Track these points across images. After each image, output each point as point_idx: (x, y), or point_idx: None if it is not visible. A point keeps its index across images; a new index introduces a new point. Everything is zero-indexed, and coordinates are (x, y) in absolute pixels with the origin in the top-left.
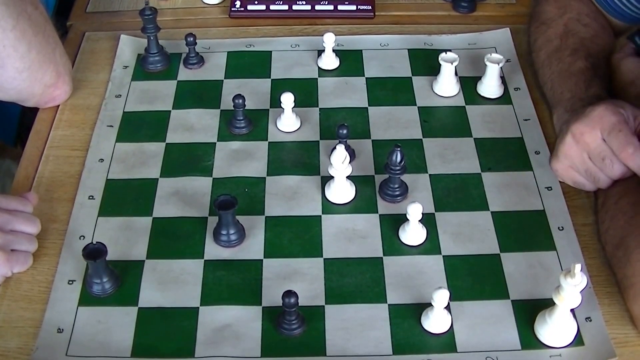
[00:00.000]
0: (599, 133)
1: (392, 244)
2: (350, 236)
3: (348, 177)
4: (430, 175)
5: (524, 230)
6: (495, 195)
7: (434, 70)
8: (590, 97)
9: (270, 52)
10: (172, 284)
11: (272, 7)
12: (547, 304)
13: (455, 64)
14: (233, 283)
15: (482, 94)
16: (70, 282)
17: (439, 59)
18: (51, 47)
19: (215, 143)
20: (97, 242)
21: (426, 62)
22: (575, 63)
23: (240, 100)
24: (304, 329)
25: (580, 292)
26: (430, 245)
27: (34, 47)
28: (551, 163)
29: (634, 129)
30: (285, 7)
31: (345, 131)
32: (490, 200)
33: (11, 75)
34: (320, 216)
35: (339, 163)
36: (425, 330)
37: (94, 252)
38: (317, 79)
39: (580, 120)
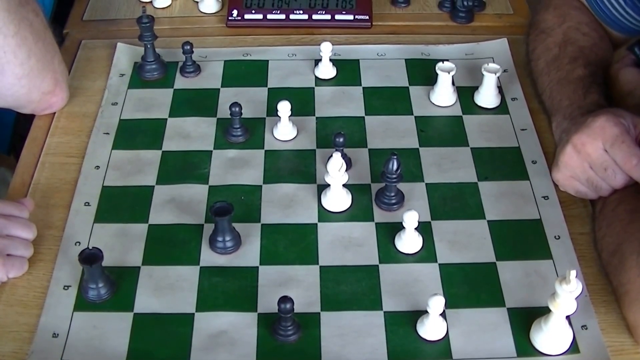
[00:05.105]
0: (600, 144)
1: (388, 252)
2: (347, 244)
3: (344, 186)
4: (426, 184)
5: (521, 239)
6: (492, 204)
7: (431, 80)
8: (589, 105)
9: (267, 61)
10: (167, 290)
11: (269, 17)
12: (543, 312)
13: (452, 73)
14: (229, 289)
15: (479, 104)
16: (66, 288)
17: (436, 68)
18: (50, 55)
19: (211, 151)
20: (93, 247)
21: (423, 72)
22: (574, 71)
23: (237, 109)
24: (300, 335)
25: (576, 298)
26: (426, 253)
27: (34, 54)
28: (552, 173)
29: (635, 137)
30: (283, 17)
31: (341, 139)
32: (486, 209)
33: (10, 81)
34: (317, 224)
35: (336, 171)
36: (421, 337)
37: (90, 257)
38: (314, 88)
39: (581, 131)
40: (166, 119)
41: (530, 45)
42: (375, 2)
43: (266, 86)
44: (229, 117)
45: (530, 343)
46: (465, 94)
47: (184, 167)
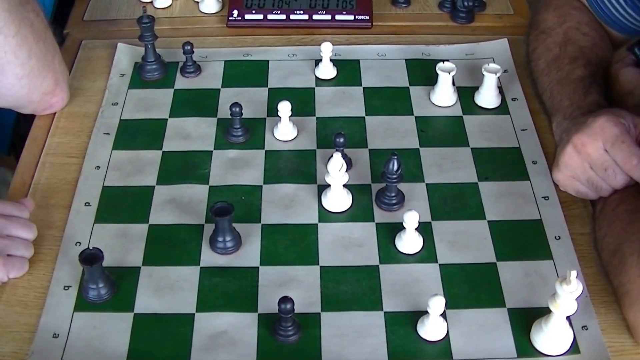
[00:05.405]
0: (600, 144)
1: (389, 252)
2: (347, 244)
3: (345, 186)
4: (427, 184)
5: (521, 239)
6: (492, 204)
7: (431, 80)
8: (589, 105)
9: (268, 61)
10: (167, 290)
11: (269, 17)
12: (544, 312)
13: (452, 73)
14: (229, 290)
15: (479, 104)
16: (66, 288)
17: (437, 68)
18: (51, 55)
19: (211, 151)
20: (93, 247)
21: (424, 72)
22: (574, 71)
23: (237, 109)
24: (300, 335)
25: (576, 299)
26: (427, 254)
27: (34, 54)
28: (552, 173)
29: (635, 137)
30: (283, 17)
31: (342, 139)
32: (487, 209)
33: (10, 81)
34: (317, 224)
35: (336, 171)
36: (421, 337)
37: (91, 257)
38: (314, 88)
39: (581, 131)
40: (166, 119)
41: (530, 45)
42: (375, 2)
43: (266, 86)
44: (230, 117)
45: (531, 343)
46: (466, 94)
47: (184, 167)
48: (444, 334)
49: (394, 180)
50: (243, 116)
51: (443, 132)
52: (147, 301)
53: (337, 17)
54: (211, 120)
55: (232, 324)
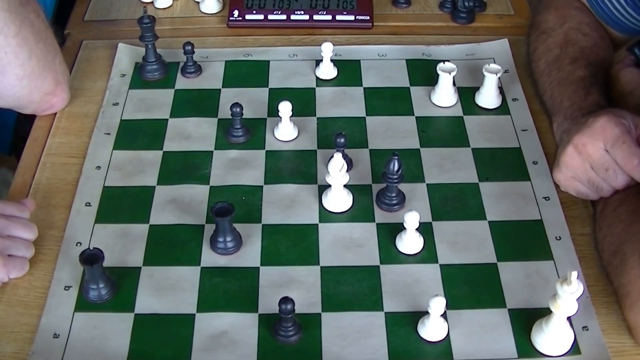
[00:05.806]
0: (601, 144)
1: (389, 253)
2: (347, 244)
3: (345, 186)
4: (427, 184)
5: (521, 240)
6: (493, 204)
7: (432, 80)
8: (590, 105)
9: (268, 61)
10: (168, 290)
11: (270, 17)
12: (544, 313)
13: (453, 74)
14: (229, 290)
15: (480, 105)
16: (67, 288)
17: (437, 69)
18: (51, 55)
19: (212, 151)
20: (94, 247)
21: (424, 73)
22: (575, 72)
23: (238, 109)
24: (301, 336)
25: (577, 300)
26: (427, 254)
27: (34, 54)
28: (553, 174)
29: (635, 137)
30: (284, 17)
31: (342, 140)
32: (487, 210)
33: (11, 82)
34: (317, 224)
35: (336, 171)
36: (422, 338)
37: (91, 258)
38: (314, 88)
39: (582, 131)
40: (167, 120)
41: (531, 45)
42: (376, 2)
43: (267, 86)
44: (230, 117)
45: (531, 344)
46: (466, 94)
47: (184, 167)
48: (444, 335)
49: (395, 181)
50: (244, 116)
51: (444, 132)
52: (147, 301)
53: (338, 17)
54: (212, 121)
55: (232, 325)
